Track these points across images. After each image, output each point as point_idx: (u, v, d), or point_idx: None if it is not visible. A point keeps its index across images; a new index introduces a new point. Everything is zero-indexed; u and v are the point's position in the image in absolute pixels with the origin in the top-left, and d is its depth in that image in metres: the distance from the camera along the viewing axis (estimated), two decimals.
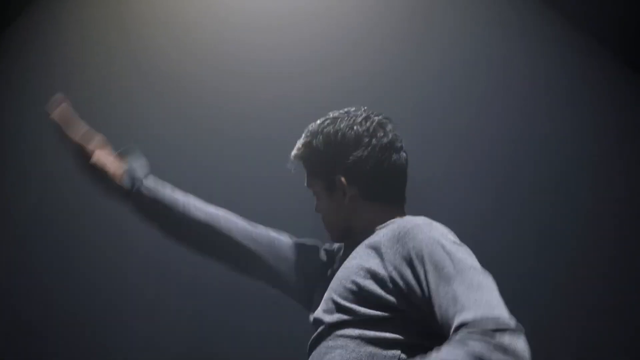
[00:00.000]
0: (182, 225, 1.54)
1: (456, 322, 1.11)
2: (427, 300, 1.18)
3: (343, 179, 1.40)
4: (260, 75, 2.73)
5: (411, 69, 2.74)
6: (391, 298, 1.24)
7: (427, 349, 1.15)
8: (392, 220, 1.38)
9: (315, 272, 1.53)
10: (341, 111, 1.45)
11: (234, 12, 2.77)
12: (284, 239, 1.58)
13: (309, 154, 1.45)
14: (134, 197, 1.52)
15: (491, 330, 1.07)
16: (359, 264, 1.31)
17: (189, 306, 2.59)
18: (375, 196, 1.41)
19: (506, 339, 1.06)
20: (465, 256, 1.21)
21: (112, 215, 2.44)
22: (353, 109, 1.45)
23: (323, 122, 1.44)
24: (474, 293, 1.13)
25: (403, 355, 1.23)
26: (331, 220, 1.46)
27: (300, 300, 1.57)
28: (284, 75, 2.73)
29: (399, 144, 1.43)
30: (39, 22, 2.78)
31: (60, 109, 1.52)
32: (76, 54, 2.76)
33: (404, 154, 1.44)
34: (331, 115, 1.45)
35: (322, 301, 1.37)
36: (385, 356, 1.23)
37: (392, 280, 1.24)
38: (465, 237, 1.29)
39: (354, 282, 1.29)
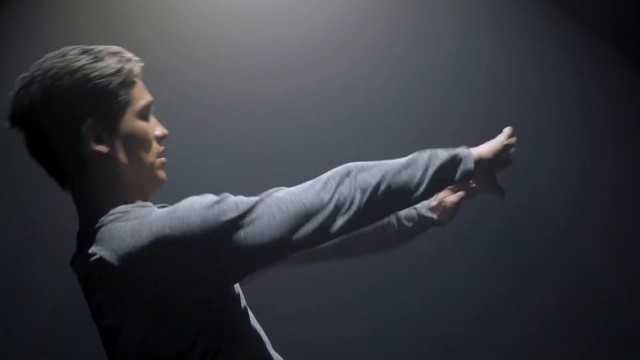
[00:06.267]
0: None
1: None
2: None
3: None
4: (257, 74, 2.73)
5: (405, 65, 2.74)
6: None
7: None
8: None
9: None
10: None
11: (227, 10, 2.76)
12: None
13: None
14: None
15: None
16: None
17: None
18: None
19: None
20: None
21: None
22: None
23: None
24: None
25: None
26: None
27: None
28: (280, 73, 2.73)
29: None
30: (23, 15, 2.75)
31: None
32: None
33: None
34: None
35: None
36: None
37: None
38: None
39: None
